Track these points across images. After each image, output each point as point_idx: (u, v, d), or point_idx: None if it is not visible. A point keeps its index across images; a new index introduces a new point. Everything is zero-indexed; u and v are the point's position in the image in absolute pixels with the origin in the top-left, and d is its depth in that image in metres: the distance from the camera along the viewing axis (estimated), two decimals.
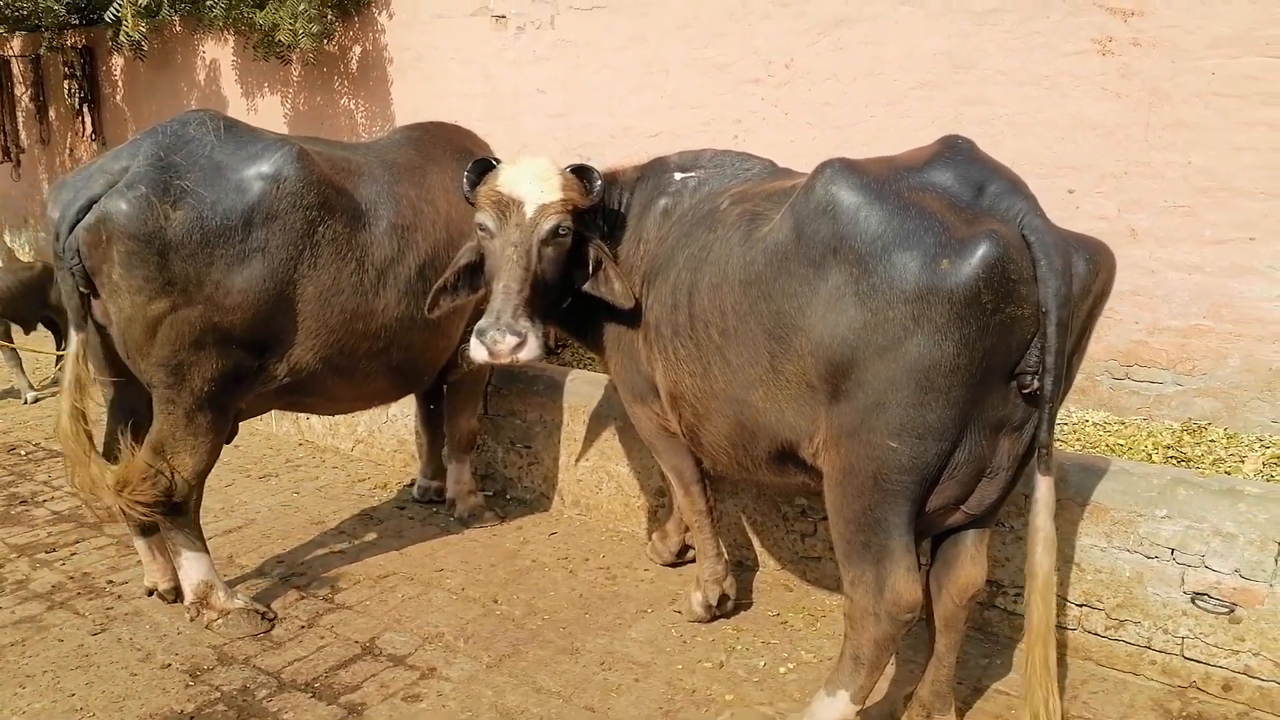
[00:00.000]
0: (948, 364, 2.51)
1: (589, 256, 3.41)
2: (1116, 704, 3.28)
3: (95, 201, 3.21)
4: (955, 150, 2.72)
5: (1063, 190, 4.50)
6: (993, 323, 2.48)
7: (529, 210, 3.26)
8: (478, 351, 3.17)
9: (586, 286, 3.44)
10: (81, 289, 3.34)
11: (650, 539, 4.44)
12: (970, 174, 2.65)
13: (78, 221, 3.21)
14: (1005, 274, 2.46)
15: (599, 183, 3.40)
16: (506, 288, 3.21)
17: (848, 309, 2.61)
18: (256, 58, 7.44)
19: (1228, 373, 4.29)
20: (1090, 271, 2.59)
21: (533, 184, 3.29)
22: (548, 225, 3.26)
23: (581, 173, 3.41)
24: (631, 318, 3.50)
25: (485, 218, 3.33)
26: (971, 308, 2.46)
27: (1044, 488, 2.60)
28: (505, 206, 3.29)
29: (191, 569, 3.69)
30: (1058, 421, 4.39)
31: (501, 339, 3.14)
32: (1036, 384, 2.56)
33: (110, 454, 3.66)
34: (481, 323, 3.18)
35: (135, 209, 3.18)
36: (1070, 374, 2.78)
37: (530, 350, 3.18)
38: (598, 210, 3.54)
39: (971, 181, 2.64)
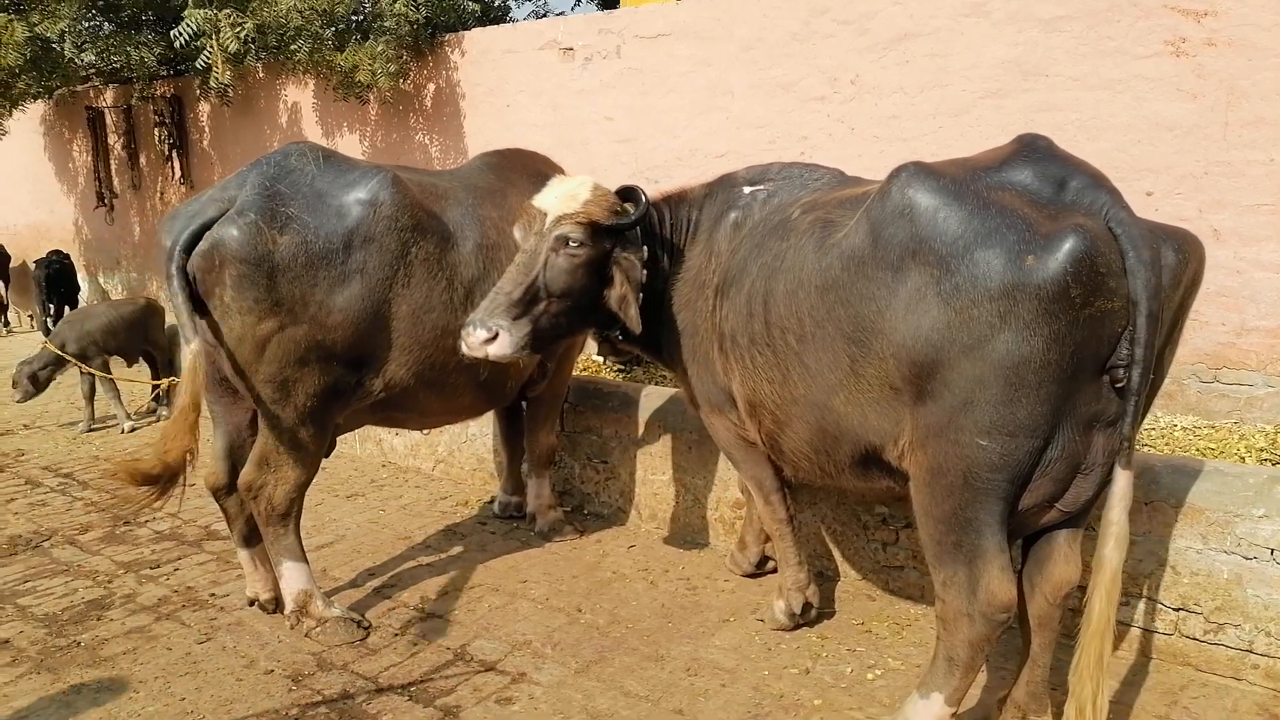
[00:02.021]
0: (1038, 360, 2.52)
1: (613, 274, 3.44)
2: (1219, 709, 3.19)
3: (208, 228, 3.42)
4: (1033, 149, 2.75)
5: (1141, 193, 4.47)
6: (1082, 316, 2.49)
7: (549, 221, 3.38)
8: (460, 343, 3.31)
9: (610, 303, 3.46)
10: (193, 305, 3.51)
11: (730, 550, 4.47)
12: (1050, 170, 2.68)
13: (192, 246, 3.41)
14: (1094, 267, 2.47)
15: (636, 204, 3.44)
16: (499, 287, 3.35)
17: (930, 309, 2.63)
18: (336, 98, 7.79)
19: None
20: (1180, 261, 2.59)
21: (559, 198, 3.40)
22: (557, 234, 3.34)
23: (625, 194, 3.50)
24: (706, 330, 3.56)
25: (517, 228, 3.48)
26: (1060, 302, 2.47)
27: (1122, 482, 2.58)
28: (533, 218, 3.42)
29: (292, 578, 3.84)
30: (1147, 427, 4.36)
31: (473, 332, 3.27)
32: (1128, 377, 2.55)
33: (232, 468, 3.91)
34: (468, 317, 3.31)
35: (246, 235, 3.38)
36: (1162, 368, 2.76)
37: (501, 347, 3.26)
38: (653, 231, 3.60)
39: (1052, 178, 2.66)
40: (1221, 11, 4.27)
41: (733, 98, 5.92)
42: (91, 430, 7.29)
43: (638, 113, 6.37)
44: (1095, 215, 2.55)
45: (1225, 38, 4.27)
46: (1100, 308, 2.50)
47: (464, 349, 3.30)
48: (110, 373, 7.19)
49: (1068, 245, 2.47)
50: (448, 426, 5.76)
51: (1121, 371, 2.56)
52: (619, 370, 5.86)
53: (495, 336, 3.26)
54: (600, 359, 5.98)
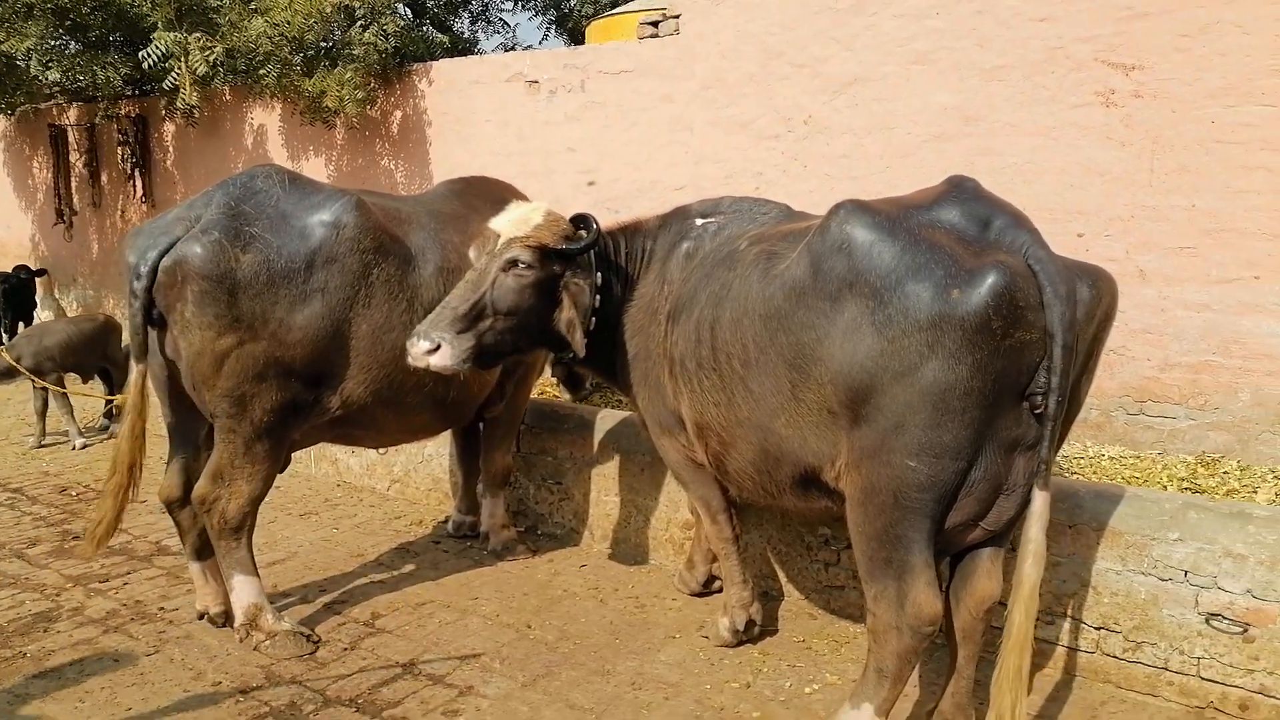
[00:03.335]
0: (962, 386, 2.69)
1: (562, 298, 3.58)
2: None
3: (174, 245, 3.51)
4: (961, 189, 2.95)
5: (1072, 234, 4.71)
6: (1003, 346, 2.67)
7: (500, 242, 3.52)
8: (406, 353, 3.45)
9: (559, 325, 3.61)
10: (148, 325, 3.61)
11: (679, 570, 4.57)
12: (976, 210, 2.87)
13: (158, 263, 3.49)
14: (1013, 301, 2.65)
15: (587, 231, 3.59)
16: (446, 302, 3.50)
17: (865, 338, 2.80)
18: (303, 123, 7.89)
19: (1239, 407, 4.43)
20: (1094, 297, 2.79)
21: (512, 221, 3.55)
22: (507, 256, 3.49)
23: (578, 221, 3.65)
24: (658, 355, 3.70)
25: (473, 249, 3.62)
26: (982, 333, 2.65)
27: (1039, 502, 2.74)
28: (487, 240, 3.57)
29: (243, 592, 3.88)
30: (1076, 455, 4.56)
31: (416, 343, 3.41)
32: (1045, 404, 2.73)
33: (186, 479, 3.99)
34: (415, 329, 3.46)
35: (209, 252, 3.47)
36: (1078, 396, 2.96)
37: (443, 358, 3.40)
38: (607, 259, 3.75)
39: (977, 217, 2.86)
40: (1148, 66, 4.55)
41: (692, 133, 6.13)
42: (43, 446, 7.22)
43: (600, 145, 6.55)
44: (1016, 252, 2.74)
45: (1151, 90, 4.55)
46: (1019, 338, 2.68)
47: (408, 360, 3.42)
48: (65, 388, 7.15)
49: (990, 280, 2.65)
50: (404, 446, 5.82)
51: (1039, 398, 2.74)
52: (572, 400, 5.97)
53: (438, 348, 3.39)
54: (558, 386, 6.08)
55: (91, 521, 3.84)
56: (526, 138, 6.90)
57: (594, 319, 3.74)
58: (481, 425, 4.93)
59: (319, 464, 6.42)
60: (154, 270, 3.50)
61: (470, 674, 3.72)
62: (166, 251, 3.50)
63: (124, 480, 3.73)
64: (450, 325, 3.41)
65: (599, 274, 3.73)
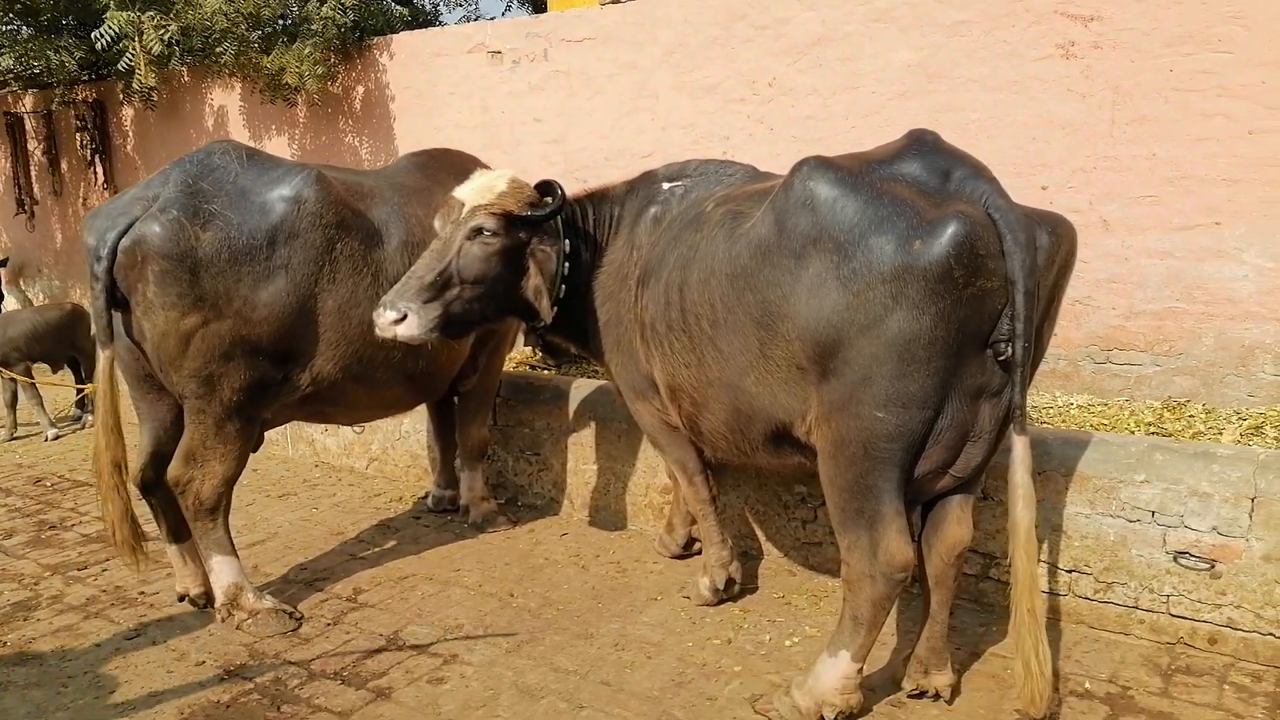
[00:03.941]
0: (926, 336, 2.72)
1: (528, 265, 3.58)
2: (1108, 661, 3.44)
3: (133, 225, 3.46)
4: (921, 143, 2.96)
5: (1036, 187, 4.75)
6: (965, 296, 2.70)
7: (465, 210, 3.50)
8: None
9: (527, 292, 3.61)
10: (111, 308, 3.56)
11: (659, 534, 4.61)
12: (936, 163, 2.89)
13: (118, 244, 3.44)
14: (974, 250, 2.68)
15: (552, 198, 3.56)
16: (412, 271, 3.49)
17: (831, 293, 2.82)
18: (263, 101, 7.76)
19: (1203, 351, 4.50)
20: (1053, 243, 2.82)
21: (476, 189, 3.53)
22: (471, 224, 3.47)
23: (544, 188, 3.62)
24: (629, 321, 3.71)
25: (438, 218, 3.60)
26: (945, 283, 2.68)
27: (1020, 446, 2.79)
28: (451, 209, 3.55)
29: (222, 572, 3.88)
30: (1045, 405, 4.63)
31: (383, 313, 3.40)
32: (1009, 351, 2.77)
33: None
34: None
35: (168, 231, 3.42)
36: (1041, 342, 3.00)
37: (409, 328, 3.39)
38: (575, 226, 3.74)
39: (937, 169, 2.87)
40: (1106, 16, 4.57)
41: (657, 100, 6.09)
42: (14, 439, 7.14)
43: (566, 114, 6.50)
44: (976, 202, 2.76)
45: (1110, 41, 4.57)
46: (981, 287, 2.71)
47: (376, 330, 3.41)
48: (33, 378, 7.06)
49: (950, 230, 2.67)
50: (381, 424, 5.81)
51: (1003, 345, 2.77)
52: (549, 368, 5.97)
53: (404, 318, 3.38)
54: (535, 353, 6.08)
55: (107, 529, 3.77)
56: (491, 109, 6.84)
57: (564, 286, 3.74)
58: (456, 399, 4.93)
59: (296, 445, 6.40)
60: (113, 251, 3.45)
61: (454, 643, 3.74)
62: (125, 232, 3.45)
63: (113, 480, 3.63)
64: (416, 295, 3.40)
65: (567, 241, 3.72)
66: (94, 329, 3.63)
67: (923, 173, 2.87)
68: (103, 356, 3.59)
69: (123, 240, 3.45)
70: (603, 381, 5.15)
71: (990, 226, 2.72)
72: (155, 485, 3.97)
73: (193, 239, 3.45)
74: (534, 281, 3.58)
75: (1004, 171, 3.00)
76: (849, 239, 2.79)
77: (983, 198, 2.77)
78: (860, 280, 2.76)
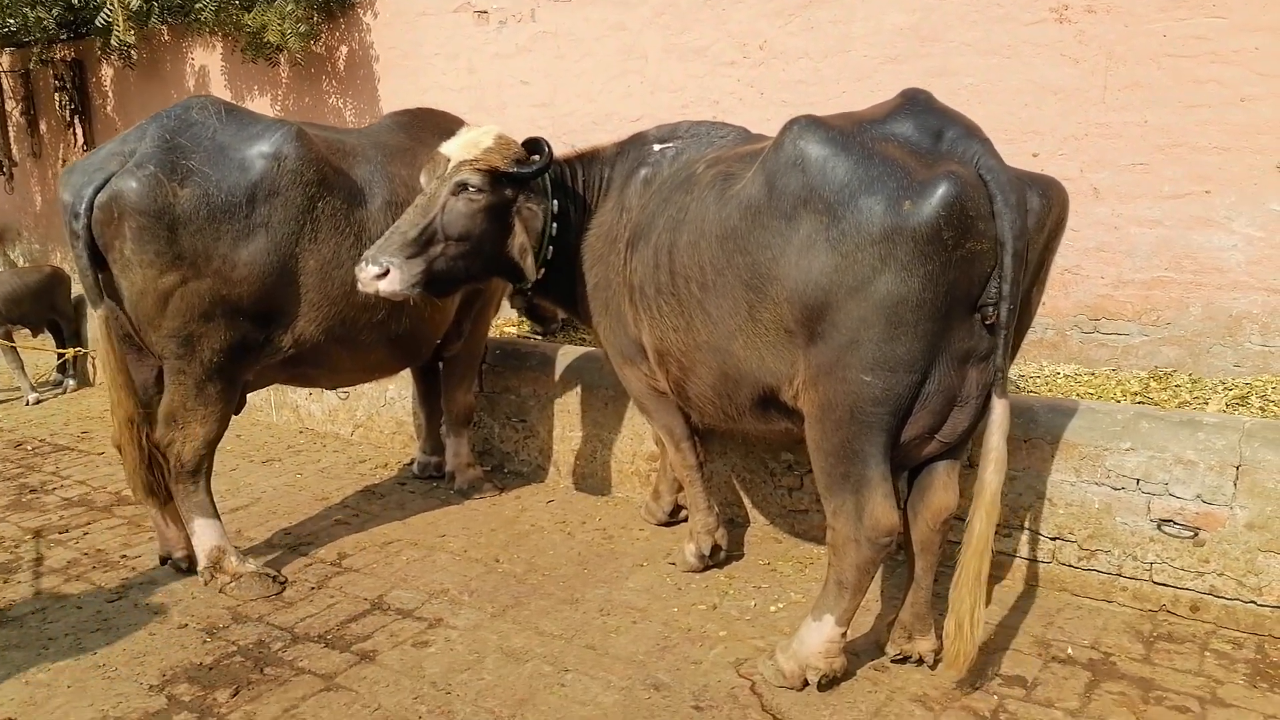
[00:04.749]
0: (914, 299, 2.69)
1: (514, 223, 3.52)
2: (1090, 628, 3.46)
3: (109, 181, 3.38)
4: (914, 102, 2.92)
5: (1027, 154, 4.70)
6: (954, 258, 2.67)
7: (450, 166, 3.44)
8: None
9: (512, 251, 3.55)
10: (96, 267, 3.49)
11: (645, 501, 4.60)
12: (928, 122, 2.84)
13: (94, 200, 3.36)
14: (964, 211, 2.64)
15: (540, 155, 3.50)
16: (396, 226, 3.43)
17: (820, 255, 2.78)
18: (245, 60, 7.61)
19: (1190, 321, 4.50)
20: (1044, 206, 2.79)
21: (462, 145, 3.46)
22: (456, 179, 3.41)
23: (531, 146, 3.56)
24: (618, 284, 3.67)
25: (423, 174, 3.53)
26: (934, 244, 2.64)
27: (999, 410, 2.78)
28: (437, 165, 3.48)
29: (204, 535, 3.84)
30: (1032, 375, 4.62)
31: (365, 268, 3.35)
32: (996, 314, 2.74)
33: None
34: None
35: (145, 186, 3.35)
36: (1030, 307, 2.98)
37: (391, 283, 3.34)
38: (564, 186, 3.69)
39: (929, 129, 2.83)
40: None
41: (646, 62, 6.00)
42: None
43: (554, 77, 6.40)
44: (967, 163, 2.72)
45: (1104, 4, 4.51)
46: (970, 249, 2.67)
47: (359, 285, 3.36)
48: (14, 342, 6.97)
49: (940, 190, 2.63)
50: (365, 390, 5.77)
51: (991, 309, 2.75)
52: (536, 335, 5.92)
53: (386, 273, 3.33)
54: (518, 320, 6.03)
55: (129, 482, 3.76)
56: (477, 70, 6.72)
57: (551, 248, 3.69)
58: (441, 365, 4.88)
59: (280, 411, 6.34)
60: (90, 207, 3.37)
61: (439, 607, 3.73)
62: (102, 188, 3.37)
63: (129, 434, 3.58)
64: (400, 250, 3.35)
65: (555, 202, 3.66)
66: (82, 289, 3.56)
67: (914, 133, 2.83)
68: (97, 316, 3.50)
69: (99, 196, 3.37)
70: (590, 348, 5.11)
71: (981, 187, 2.68)
72: None
73: (170, 195, 3.37)
74: (519, 240, 3.53)
75: (995, 138, 2.94)
76: (839, 199, 2.75)
77: (974, 158, 2.73)
78: (849, 241, 2.73)
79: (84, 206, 3.37)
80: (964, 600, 2.81)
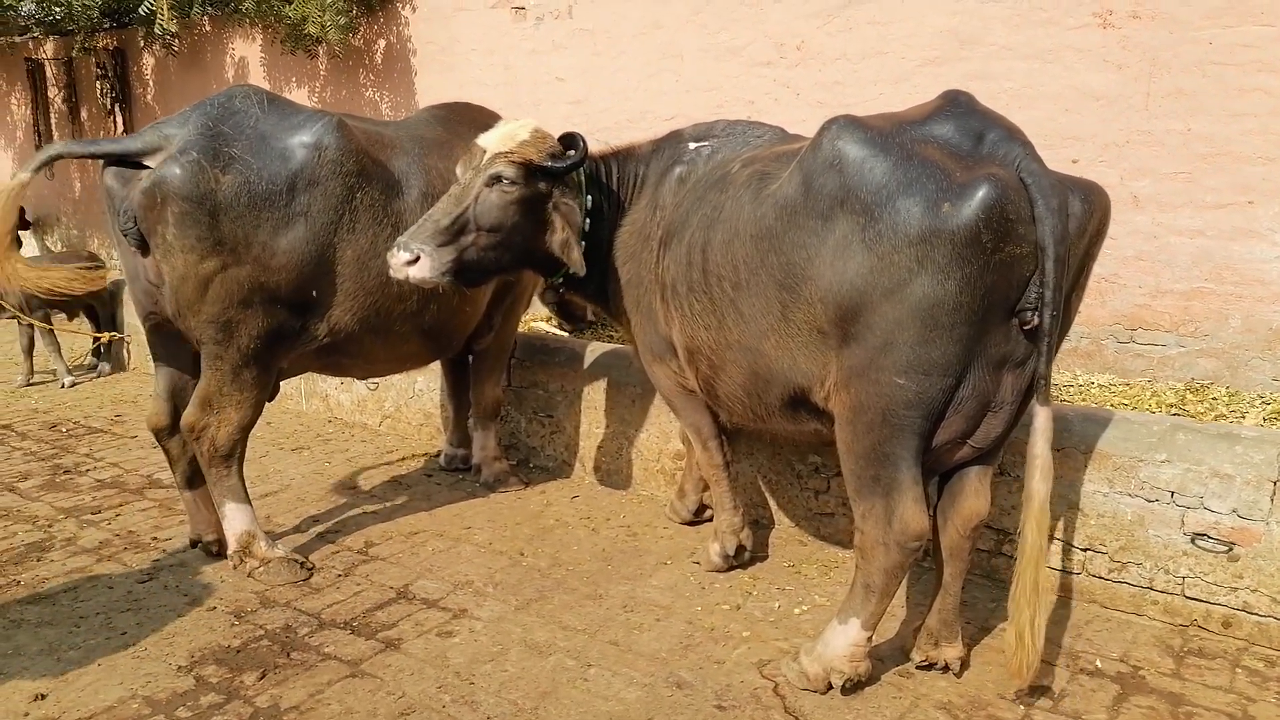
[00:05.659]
0: (951, 302, 2.67)
1: (551, 217, 3.52)
2: (1120, 641, 3.41)
3: (128, 154, 3.44)
4: (955, 103, 2.89)
5: (1067, 160, 4.64)
6: (993, 261, 2.64)
7: (485, 158, 3.45)
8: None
9: (553, 246, 3.55)
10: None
11: (670, 499, 4.60)
12: (969, 124, 2.82)
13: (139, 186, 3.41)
14: (1004, 214, 2.62)
15: (576, 150, 3.51)
16: (429, 215, 3.44)
17: (856, 256, 2.77)
18: (284, 51, 7.69)
19: (1229, 333, 4.42)
20: (1086, 211, 2.75)
21: (498, 137, 3.48)
22: (491, 171, 3.42)
23: (566, 140, 3.57)
24: (650, 281, 3.66)
25: (460, 165, 3.55)
26: (972, 247, 2.62)
27: (1042, 417, 2.75)
28: (473, 156, 3.50)
29: (235, 519, 3.89)
30: (1066, 384, 4.57)
31: (396, 254, 3.36)
32: (1036, 319, 2.71)
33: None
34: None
35: (188, 173, 3.39)
36: (1069, 313, 2.94)
37: (421, 270, 3.35)
38: (599, 182, 3.70)
39: (971, 131, 2.80)
40: None
41: (683, 61, 5.99)
42: (31, 385, 7.18)
43: (589, 74, 6.41)
44: (1008, 166, 2.70)
45: (1149, 10, 4.45)
46: (1010, 253, 2.65)
47: (390, 270, 3.38)
48: (52, 325, 7.09)
49: (981, 193, 2.61)
50: (394, 382, 5.81)
51: (1030, 314, 2.72)
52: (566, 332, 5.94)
53: (417, 259, 3.34)
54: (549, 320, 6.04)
55: None
56: (513, 67, 6.75)
57: (584, 243, 3.70)
58: (470, 358, 4.91)
59: (310, 400, 6.41)
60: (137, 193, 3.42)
61: (464, 598, 3.75)
62: (113, 156, 3.43)
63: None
64: (431, 237, 3.36)
65: (589, 197, 3.67)
66: (125, 277, 3.62)
67: (955, 134, 2.81)
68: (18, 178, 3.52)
69: (143, 181, 3.42)
70: (617, 345, 5.11)
71: (1022, 191, 2.65)
72: (170, 430, 3.98)
73: (213, 181, 3.42)
74: (559, 235, 3.53)
75: (1035, 144, 2.92)
76: (876, 200, 2.74)
77: (1015, 161, 2.71)
78: (886, 243, 2.71)
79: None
80: (1023, 611, 2.77)
